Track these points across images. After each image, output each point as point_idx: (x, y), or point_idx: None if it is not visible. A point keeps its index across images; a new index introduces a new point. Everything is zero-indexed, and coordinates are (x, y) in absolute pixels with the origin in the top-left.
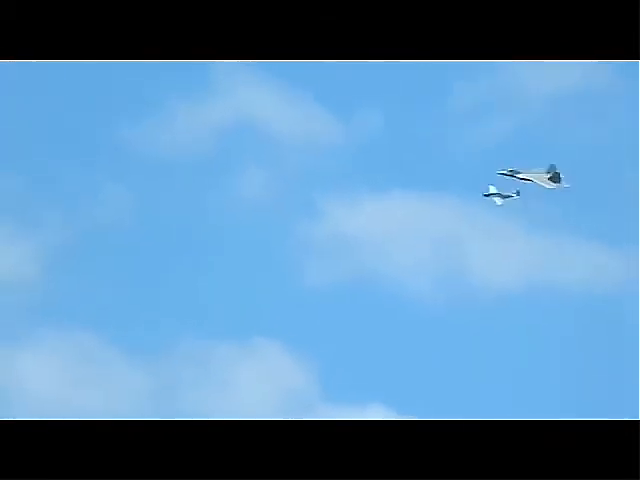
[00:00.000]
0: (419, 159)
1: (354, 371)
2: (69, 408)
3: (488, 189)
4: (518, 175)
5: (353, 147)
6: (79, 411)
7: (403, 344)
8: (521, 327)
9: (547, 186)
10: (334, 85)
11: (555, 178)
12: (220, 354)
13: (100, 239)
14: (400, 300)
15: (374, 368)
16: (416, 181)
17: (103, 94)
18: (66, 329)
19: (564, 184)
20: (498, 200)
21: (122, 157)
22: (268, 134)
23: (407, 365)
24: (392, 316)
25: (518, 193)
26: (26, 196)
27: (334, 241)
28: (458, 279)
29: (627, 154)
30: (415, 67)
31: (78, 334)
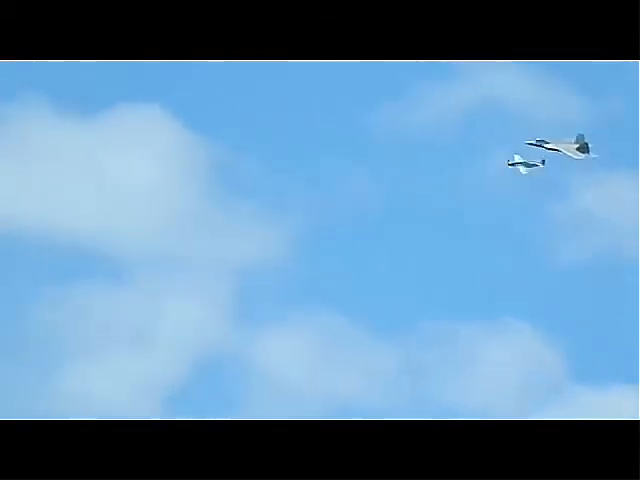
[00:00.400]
0: None
1: (603, 353)
2: (318, 389)
3: (513, 158)
4: (546, 145)
5: (594, 127)
6: (326, 391)
7: None
8: None
9: (575, 156)
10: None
11: (583, 148)
12: (467, 334)
13: (346, 222)
14: None
15: (625, 350)
16: None
17: (346, 84)
18: (313, 310)
19: (592, 154)
20: (522, 169)
21: (367, 141)
22: (512, 114)
23: None
24: None
25: (543, 162)
26: (275, 180)
27: (582, 219)
28: None
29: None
30: None
31: (325, 315)
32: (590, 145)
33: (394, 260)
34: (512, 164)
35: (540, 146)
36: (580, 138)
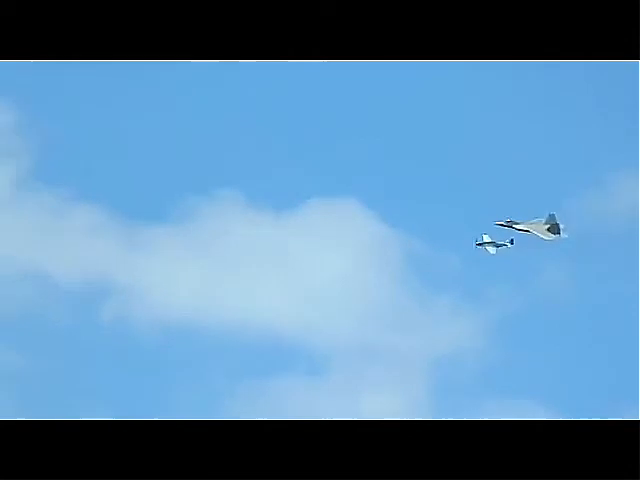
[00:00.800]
0: None
1: None
2: None
3: (482, 238)
4: (516, 226)
5: None
6: None
7: None
8: None
9: (545, 237)
10: None
11: (554, 229)
12: None
13: (540, 314)
14: None
15: None
16: None
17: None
18: (511, 403)
19: (563, 235)
20: (491, 249)
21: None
22: None
23: None
24: None
25: (512, 242)
26: (469, 273)
27: None
28: None
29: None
30: None
31: (523, 408)
32: (561, 225)
33: (591, 351)
34: (480, 244)
35: (510, 227)
36: (551, 218)
